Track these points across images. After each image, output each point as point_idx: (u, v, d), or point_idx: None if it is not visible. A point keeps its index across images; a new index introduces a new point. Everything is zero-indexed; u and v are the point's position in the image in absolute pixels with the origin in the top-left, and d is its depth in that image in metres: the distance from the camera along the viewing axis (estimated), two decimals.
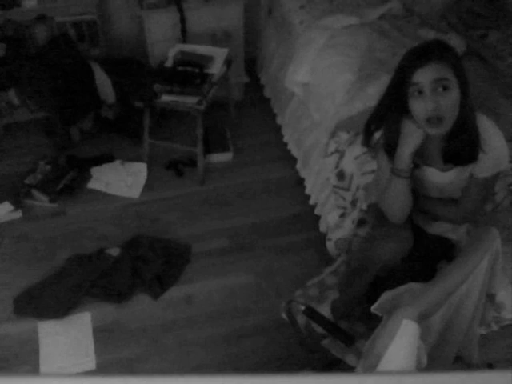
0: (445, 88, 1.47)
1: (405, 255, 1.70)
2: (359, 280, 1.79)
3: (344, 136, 2.37)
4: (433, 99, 1.47)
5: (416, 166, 1.68)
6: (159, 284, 2.43)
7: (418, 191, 1.79)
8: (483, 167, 1.60)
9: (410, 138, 1.58)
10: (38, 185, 2.86)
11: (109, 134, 3.26)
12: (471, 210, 1.70)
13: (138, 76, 3.11)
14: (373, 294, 1.67)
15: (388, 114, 1.63)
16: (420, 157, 1.68)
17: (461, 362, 1.73)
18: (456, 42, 2.68)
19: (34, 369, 2.15)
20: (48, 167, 2.96)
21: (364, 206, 2.14)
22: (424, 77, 1.47)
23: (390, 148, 1.67)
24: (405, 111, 1.57)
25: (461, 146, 1.57)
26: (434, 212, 1.77)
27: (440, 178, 1.69)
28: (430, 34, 2.82)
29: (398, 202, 1.69)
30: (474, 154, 1.57)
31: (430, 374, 0.86)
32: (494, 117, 1.67)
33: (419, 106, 1.50)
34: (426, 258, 1.79)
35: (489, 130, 1.58)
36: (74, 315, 2.32)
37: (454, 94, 1.48)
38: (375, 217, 1.93)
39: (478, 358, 1.73)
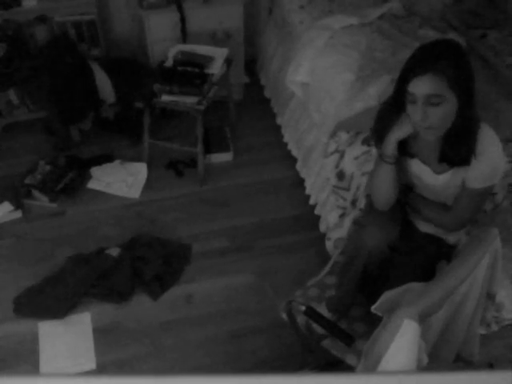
0: (435, 104, 1.47)
1: (390, 243, 1.72)
2: (350, 271, 1.81)
3: (344, 136, 2.37)
4: (423, 110, 1.49)
5: (411, 156, 1.70)
6: (159, 284, 2.42)
7: (414, 189, 1.80)
8: (476, 177, 1.60)
9: (400, 126, 1.61)
10: (38, 185, 2.86)
11: (109, 134, 3.26)
12: (460, 220, 1.71)
13: (138, 76, 3.11)
14: (373, 293, 1.67)
15: (390, 106, 1.65)
16: (417, 155, 1.70)
17: (461, 362, 1.73)
18: None
19: (34, 369, 2.15)
20: (48, 167, 2.96)
21: (363, 205, 2.15)
22: (418, 89, 1.47)
23: (377, 134, 1.71)
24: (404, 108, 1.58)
25: (456, 149, 1.58)
26: (426, 214, 1.78)
27: (433, 179, 1.70)
28: (429, 34, 2.81)
29: (382, 188, 1.73)
30: (468, 157, 1.58)
31: (430, 373, 0.86)
32: (494, 117, 1.67)
33: (412, 113, 1.53)
34: (420, 254, 1.80)
35: (488, 141, 1.57)
36: (74, 315, 2.32)
37: (446, 108, 1.48)
38: (365, 206, 1.96)
39: (478, 358, 1.73)
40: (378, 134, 1.72)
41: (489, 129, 1.59)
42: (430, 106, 1.48)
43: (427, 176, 1.71)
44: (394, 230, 1.73)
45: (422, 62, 1.48)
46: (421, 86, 1.46)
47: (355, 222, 1.98)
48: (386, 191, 1.74)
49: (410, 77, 1.48)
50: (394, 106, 1.62)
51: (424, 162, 1.70)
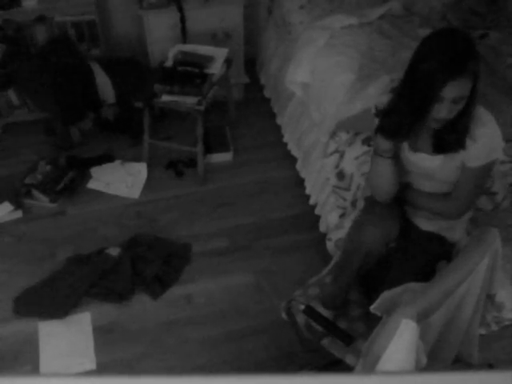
0: (458, 102, 1.50)
1: (389, 243, 1.73)
2: (346, 268, 1.81)
3: (344, 136, 2.37)
4: (448, 109, 1.51)
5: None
6: (159, 284, 2.43)
7: (411, 185, 1.80)
8: (475, 156, 1.61)
9: None
10: (38, 185, 2.86)
11: (109, 134, 3.26)
12: (461, 203, 1.71)
13: (138, 76, 3.11)
14: (372, 293, 1.67)
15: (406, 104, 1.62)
16: (412, 142, 1.71)
17: (461, 362, 1.73)
18: None
19: (34, 369, 2.15)
20: (48, 167, 2.96)
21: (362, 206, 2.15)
22: (450, 93, 1.47)
23: (389, 129, 1.67)
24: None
25: (449, 134, 1.60)
26: (427, 207, 1.78)
27: (429, 161, 1.70)
28: None
29: (381, 181, 1.75)
30: (460, 142, 1.59)
31: (430, 373, 0.86)
32: (494, 116, 1.66)
33: (437, 111, 1.53)
34: (421, 254, 1.80)
35: (482, 118, 1.59)
36: (74, 315, 2.33)
37: (463, 104, 1.52)
38: (364, 204, 1.96)
39: (478, 358, 1.73)
40: (390, 129, 1.66)
41: (482, 110, 1.61)
42: (453, 104, 1.50)
43: (424, 161, 1.71)
44: (392, 229, 1.73)
45: (456, 63, 1.45)
46: (453, 89, 1.46)
47: (354, 222, 1.98)
48: (385, 184, 1.75)
49: (443, 82, 1.45)
50: (411, 106, 1.57)
51: (419, 150, 1.71)
